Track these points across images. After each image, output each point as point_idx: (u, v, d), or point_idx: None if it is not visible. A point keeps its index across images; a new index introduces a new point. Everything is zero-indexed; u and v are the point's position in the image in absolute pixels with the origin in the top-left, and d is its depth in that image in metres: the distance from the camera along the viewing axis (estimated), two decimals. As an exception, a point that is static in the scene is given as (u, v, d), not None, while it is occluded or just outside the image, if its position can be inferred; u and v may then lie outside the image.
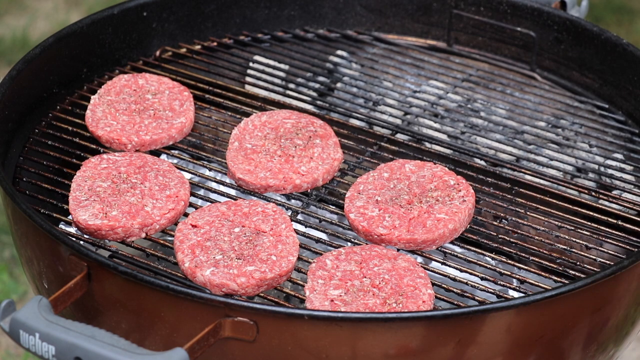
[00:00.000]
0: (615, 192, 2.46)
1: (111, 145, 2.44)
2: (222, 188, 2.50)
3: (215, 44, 2.88)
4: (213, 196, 2.46)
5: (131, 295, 1.98)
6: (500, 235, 2.26)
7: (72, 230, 2.25)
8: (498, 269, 2.18)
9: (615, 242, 2.29)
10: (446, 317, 1.92)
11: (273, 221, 2.20)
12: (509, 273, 2.17)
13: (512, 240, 2.26)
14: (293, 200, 2.53)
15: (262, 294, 2.09)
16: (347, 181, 2.39)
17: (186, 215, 2.25)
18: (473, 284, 2.15)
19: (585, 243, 2.28)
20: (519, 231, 2.29)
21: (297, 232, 2.22)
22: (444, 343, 1.94)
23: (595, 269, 2.17)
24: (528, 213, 2.33)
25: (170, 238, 2.30)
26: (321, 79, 2.80)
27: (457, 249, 2.36)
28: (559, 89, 2.81)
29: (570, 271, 2.19)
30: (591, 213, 2.34)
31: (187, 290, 1.92)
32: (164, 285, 1.93)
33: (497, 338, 1.98)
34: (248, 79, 2.79)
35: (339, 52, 2.89)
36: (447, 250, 2.22)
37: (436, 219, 2.22)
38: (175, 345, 1.83)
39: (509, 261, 2.23)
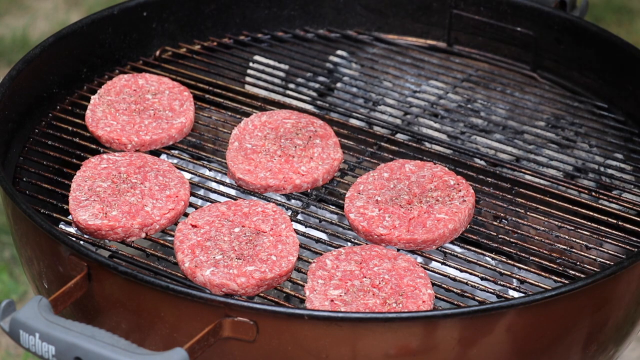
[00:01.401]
0: (615, 192, 2.46)
1: (111, 145, 2.44)
2: (222, 188, 2.50)
3: (215, 44, 2.87)
4: (213, 196, 2.46)
5: (131, 295, 1.98)
6: (500, 235, 2.26)
7: (72, 230, 2.25)
8: (498, 269, 2.18)
9: (615, 242, 2.28)
10: (446, 317, 1.92)
11: (273, 221, 2.20)
12: (509, 273, 2.17)
13: (512, 240, 2.26)
14: (293, 200, 2.53)
15: (262, 294, 2.09)
16: (347, 181, 2.39)
17: (186, 215, 2.25)
18: (473, 284, 2.14)
19: (585, 243, 2.28)
20: (519, 231, 2.29)
21: (297, 232, 2.22)
22: (444, 343, 1.94)
23: (595, 269, 2.17)
24: (528, 213, 2.33)
25: (170, 238, 2.30)
26: (321, 79, 2.80)
27: (457, 249, 2.36)
28: (559, 89, 2.81)
29: (570, 271, 2.19)
30: (591, 213, 2.34)
31: (187, 290, 1.92)
32: (164, 285, 1.93)
33: (497, 338, 1.98)
34: (248, 79, 2.79)
35: (339, 52, 2.89)
36: (447, 250, 2.22)
37: (436, 219, 2.22)
38: (176, 345, 1.82)
39: (509, 261, 2.22)
